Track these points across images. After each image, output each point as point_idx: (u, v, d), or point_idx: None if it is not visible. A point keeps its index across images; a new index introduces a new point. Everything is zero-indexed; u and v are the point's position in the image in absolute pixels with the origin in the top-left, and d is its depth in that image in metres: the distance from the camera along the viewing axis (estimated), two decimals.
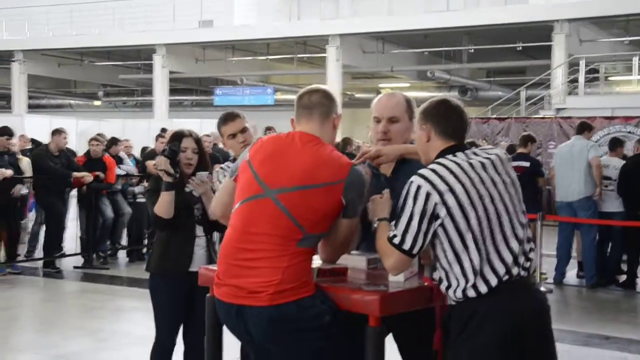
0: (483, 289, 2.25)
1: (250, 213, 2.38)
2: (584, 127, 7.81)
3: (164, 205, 3.28)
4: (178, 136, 3.42)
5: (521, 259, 2.30)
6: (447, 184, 2.26)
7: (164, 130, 9.52)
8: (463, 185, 2.27)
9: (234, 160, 3.42)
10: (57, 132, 7.97)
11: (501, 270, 2.26)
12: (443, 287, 2.34)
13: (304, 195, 2.33)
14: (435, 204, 2.25)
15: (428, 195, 2.25)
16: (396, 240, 2.30)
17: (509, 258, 2.27)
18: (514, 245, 2.29)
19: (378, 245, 2.39)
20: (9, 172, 7.41)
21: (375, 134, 2.78)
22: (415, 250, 2.30)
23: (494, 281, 2.26)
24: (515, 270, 2.28)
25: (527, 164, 7.65)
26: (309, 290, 2.32)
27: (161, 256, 3.39)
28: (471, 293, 2.27)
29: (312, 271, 2.39)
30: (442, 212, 2.25)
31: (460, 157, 2.34)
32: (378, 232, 2.41)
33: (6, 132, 7.65)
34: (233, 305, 2.36)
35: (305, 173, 2.35)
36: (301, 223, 2.32)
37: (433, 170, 2.30)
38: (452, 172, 2.29)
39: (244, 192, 2.43)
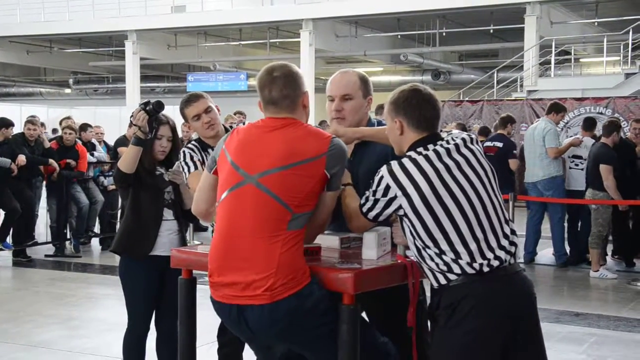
0: (463, 272, 2.25)
1: (235, 203, 2.34)
2: (552, 109, 7.76)
3: (128, 159, 3.21)
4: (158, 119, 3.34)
5: (504, 242, 2.29)
6: (411, 179, 2.26)
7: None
8: (429, 180, 2.26)
9: (199, 141, 3.36)
10: (26, 122, 7.98)
11: (477, 254, 2.26)
12: (429, 274, 2.36)
13: (286, 174, 2.29)
14: (396, 196, 2.28)
15: (388, 187, 2.29)
16: (364, 210, 2.40)
17: (492, 242, 2.27)
18: (495, 225, 2.29)
19: (345, 207, 2.46)
20: (23, 158, 7.51)
21: (329, 112, 2.78)
22: (380, 219, 2.40)
23: (469, 268, 2.25)
24: (499, 253, 2.27)
25: (500, 144, 7.70)
26: (305, 279, 2.28)
27: (125, 235, 3.35)
28: (454, 279, 2.26)
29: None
30: (405, 205, 2.28)
31: (430, 149, 2.32)
32: (344, 196, 2.48)
33: (5, 122, 7.79)
34: (233, 306, 2.31)
35: (284, 153, 2.31)
36: (287, 203, 2.28)
37: (401, 165, 2.30)
38: (419, 167, 2.28)
39: (226, 184, 2.38)
